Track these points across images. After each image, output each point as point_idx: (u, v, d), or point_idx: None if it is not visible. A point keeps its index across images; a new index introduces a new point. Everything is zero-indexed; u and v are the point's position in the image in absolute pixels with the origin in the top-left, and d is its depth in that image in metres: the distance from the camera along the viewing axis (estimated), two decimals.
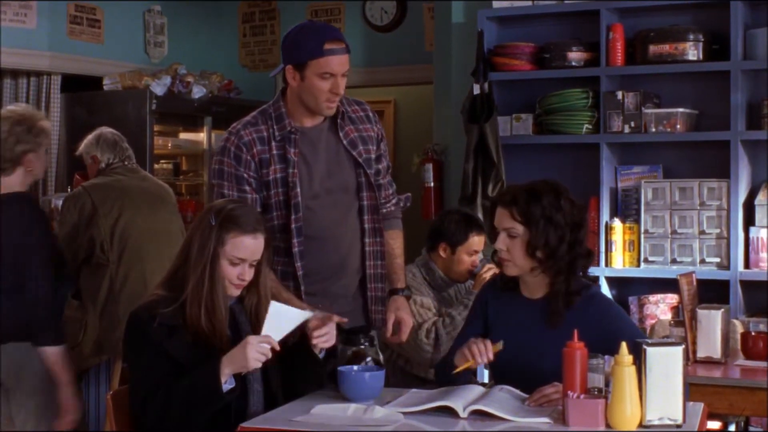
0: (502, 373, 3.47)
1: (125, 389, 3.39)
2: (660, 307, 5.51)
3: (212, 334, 3.25)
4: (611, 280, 5.72)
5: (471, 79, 5.93)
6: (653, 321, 5.23)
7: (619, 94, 5.61)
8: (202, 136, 7.73)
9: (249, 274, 3.34)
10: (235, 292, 3.36)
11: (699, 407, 3.23)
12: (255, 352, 3.13)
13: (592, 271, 5.63)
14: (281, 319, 3.23)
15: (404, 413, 3.10)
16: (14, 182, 4.18)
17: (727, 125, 5.45)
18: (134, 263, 5.13)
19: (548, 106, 5.84)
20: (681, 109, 5.55)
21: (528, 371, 3.36)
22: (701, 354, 4.31)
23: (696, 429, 3.02)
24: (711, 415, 4.27)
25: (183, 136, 7.89)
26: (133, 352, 3.31)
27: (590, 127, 5.73)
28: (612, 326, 3.34)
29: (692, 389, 3.63)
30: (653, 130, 5.56)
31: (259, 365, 3.16)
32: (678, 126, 5.53)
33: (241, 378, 3.23)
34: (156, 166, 7.42)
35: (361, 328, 3.62)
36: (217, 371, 3.13)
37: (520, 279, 3.54)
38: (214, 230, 3.29)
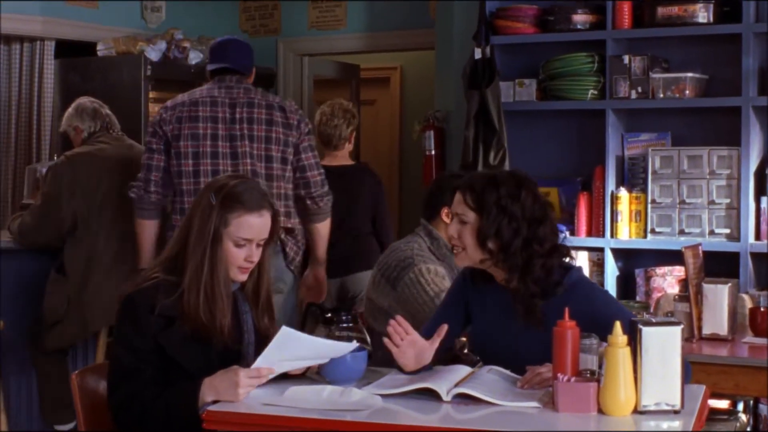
0: (485, 361, 3.27)
1: (93, 368, 3.23)
2: (667, 280, 5.34)
3: (212, 325, 3.04)
4: (617, 252, 5.57)
5: (473, 43, 5.75)
6: (660, 294, 5.05)
7: (626, 59, 5.44)
8: None
9: (257, 255, 3.13)
10: (242, 278, 3.15)
11: (700, 390, 3.04)
12: (246, 388, 2.92)
13: (597, 242, 5.51)
14: (289, 346, 2.98)
15: (383, 396, 2.91)
16: (346, 154, 5.81)
17: (738, 91, 5.26)
18: (117, 235, 4.95)
19: (552, 70, 5.68)
20: (690, 74, 5.36)
21: (510, 360, 3.16)
22: (707, 331, 4.11)
23: (696, 414, 2.81)
24: (718, 394, 4.09)
25: None
26: (121, 340, 3.09)
27: (596, 92, 5.57)
28: (599, 313, 3.08)
29: (696, 368, 3.47)
30: (661, 95, 5.38)
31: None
32: (687, 91, 5.35)
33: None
34: (156, 115, 7.21)
35: (344, 307, 3.43)
36: (195, 398, 2.93)
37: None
38: (215, 210, 3.07)
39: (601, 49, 5.52)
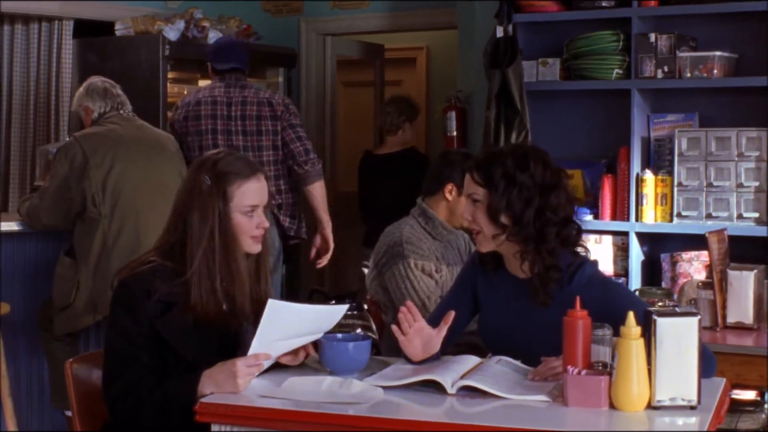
0: (494, 352, 3.13)
1: (86, 356, 3.12)
2: (694, 266, 5.19)
3: (232, 313, 2.96)
4: (642, 236, 5.41)
5: (496, 21, 5.59)
6: (686, 280, 4.90)
7: (652, 37, 5.28)
8: None
9: (266, 220, 3.04)
10: (257, 248, 3.04)
11: (719, 384, 2.88)
12: (245, 378, 2.81)
13: (622, 226, 5.37)
14: (281, 320, 2.86)
15: (384, 388, 2.78)
16: (399, 141, 6.78)
17: None
18: (128, 217, 4.85)
19: (576, 49, 5.52)
20: (718, 53, 5.19)
21: (520, 351, 3.02)
22: (731, 319, 3.97)
23: (713, 410, 2.66)
24: (742, 386, 3.94)
25: (202, 83, 7.58)
26: (116, 327, 2.98)
27: (621, 72, 5.41)
28: (615, 308, 2.89)
29: (720, 358, 3.31)
30: (688, 75, 5.22)
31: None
32: (715, 71, 5.18)
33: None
34: (171, 114, 7.14)
35: (348, 294, 3.30)
36: (194, 391, 2.81)
37: (504, 258, 3.22)
38: (212, 189, 2.96)
39: (627, 27, 5.36)
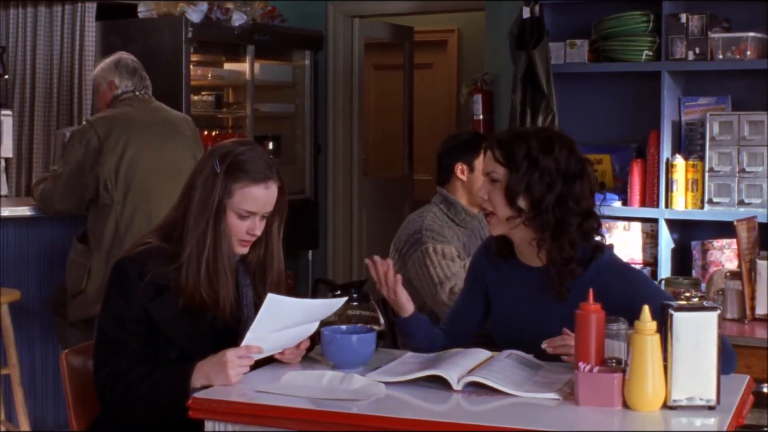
0: (505, 345, 2.98)
1: (80, 348, 3.02)
2: (725, 254, 5.04)
3: (213, 300, 2.84)
4: (672, 223, 5.28)
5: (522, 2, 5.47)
6: (717, 269, 4.74)
7: (683, 17, 5.14)
8: (245, 66, 7.30)
9: (259, 228, 2.91)
10: (242, 251, 2.93)
11: (741, 381, 2.72)
12: (237, 369, 2.70)
13: (651, 212, 5.25)
14: (279, 314, 2.74)
15: (387, 383, 2.65)
16: None
17: None
18: (140, 203, 4.74)
19: (605, 30, 5.40)
20: (752, 34, 5.06)
21: (533, 344, 2.87)
22: (760, 311, 3.81)
23: (734, 409, 2.51)
24: None
25: (227, 66, 7.49)
26: (109, 310, 2.88)
27: (651, 53, 5.28)
28: (634, 295, 2.76)
29: (746, 352, 3.21)
30: (720, 57, 5.09)
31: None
32: (748, 52, 5.04)
33: None
34: (195, 97, 7.05)
35: (354, 283, 3.17)
36: (185, 383, 2.71)
37: (514, 246, 3.08)
38: (219, 179, 2.85)
39: (657, 8, 5.23)
